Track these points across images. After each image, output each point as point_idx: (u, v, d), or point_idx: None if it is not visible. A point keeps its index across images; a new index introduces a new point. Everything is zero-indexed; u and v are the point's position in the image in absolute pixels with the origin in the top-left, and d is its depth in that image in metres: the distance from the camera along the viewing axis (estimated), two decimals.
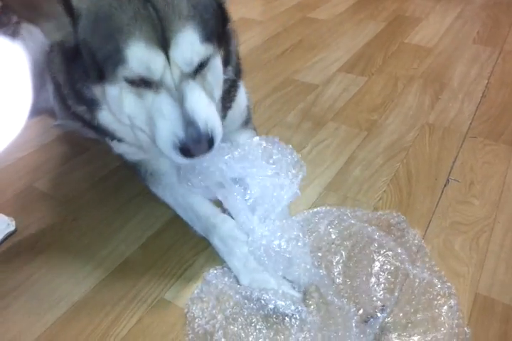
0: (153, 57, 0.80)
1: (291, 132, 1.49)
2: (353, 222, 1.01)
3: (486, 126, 1.51)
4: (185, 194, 1.13)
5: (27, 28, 1.42)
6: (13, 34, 1.44)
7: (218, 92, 0.96)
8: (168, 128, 0.85)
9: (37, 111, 1.62)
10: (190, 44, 0.82)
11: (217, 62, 0.92)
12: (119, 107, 0.89)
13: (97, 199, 1.25)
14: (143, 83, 0.84)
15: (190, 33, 0.81)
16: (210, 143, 0.87)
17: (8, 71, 0.76)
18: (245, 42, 2.11)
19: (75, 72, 0.94)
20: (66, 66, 1.00)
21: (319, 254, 0.95)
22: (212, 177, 1.03)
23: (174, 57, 0.81)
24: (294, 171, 1.07)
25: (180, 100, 0.84)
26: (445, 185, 1.25)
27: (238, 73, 1.17)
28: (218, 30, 0.91)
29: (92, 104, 0.98)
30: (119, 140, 1.10)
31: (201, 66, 0.86)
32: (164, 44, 0.80)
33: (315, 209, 1.09)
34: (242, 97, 1.22)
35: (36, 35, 1.42)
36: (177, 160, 0.89)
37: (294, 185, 1.02)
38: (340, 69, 1.88)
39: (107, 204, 1.23)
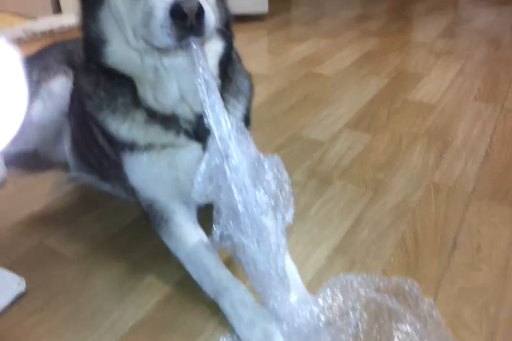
0: None
1: (298, 190, 1.51)
2: (367, 290, 1.01)
3: (490, 187, 1.54)
4: (200, 251, 1.12)
5: (46, 88, 1.48)
6: (33, 93, 1.50)
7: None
8: (161, 2, 0.87)
9: (51, 164, 1.66)
10: None
11: None
12: (121, 9, 0.95)
13: (108, 259, 1.26)
14: None
15: None
16: (199, 8, 0.87)
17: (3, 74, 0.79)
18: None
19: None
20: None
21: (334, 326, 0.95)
22: None
23: None
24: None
25: None
26: (452, 249, 1.26)
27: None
28: None
29: (100, 43, 1.03)
30: (127, 79, 1.08)
31: None
32: None
33: (330, 281, 1.08)
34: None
35: (55, 96, 1.48)
36: (166, 36, 0.89)
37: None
38: (346, 126, 1.93)
39: (118, 264, 1.24)
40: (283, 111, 2.07)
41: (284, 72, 2.52)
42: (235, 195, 0.95)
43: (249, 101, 1.26)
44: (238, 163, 0.96)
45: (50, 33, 3.21)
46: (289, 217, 1.05)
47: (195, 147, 1.15)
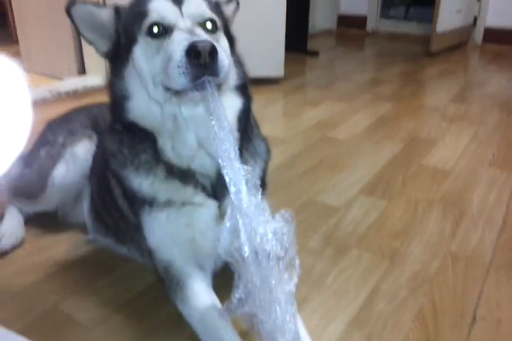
0: (168, 8, 1.02)
1: (314, 258, 1.51)
2: None
3: (508, 257, 1.53)
4: (214, 321, 1.10)
5: (71, 152, 1.54)
6: (58, 155, 1.55)
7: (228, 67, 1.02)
8: (177, 47, 0.96)
9: (69, 225, 1.69)
10: (197, 4, 1.05)
11: (224, 40, 1.10)
12: (143, 63, 1.04)
13: (121, 326, 1.25)
14: (161, 34, 1.01)
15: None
16: (213, 48, 0.94)
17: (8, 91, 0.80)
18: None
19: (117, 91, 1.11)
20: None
21: None
22: None
23: (185, 9, 1.03)
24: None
25: (191, 32, 0.99)
26: (472, 323, 1.24)
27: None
28: (225, 27, 1.14)
29: (123, 99, 1.10)
30: (148, 135, 1.12)
31: (211, 29, 1.06)
32: (179, 3, 1.04)
33: None
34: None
35: (78, 159, 1.53)
36: (183, 79, 0.95)
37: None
38: (361, 192, 1.94)
39: (132, 332, 1.22)
40: (298, 175, 2.10)
41: (300, 136, 2.58)
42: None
43: (266, 163, 1.29)
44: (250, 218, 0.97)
45: (74, 93, 3.33)
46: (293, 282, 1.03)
47: (212, 205, 1.17)
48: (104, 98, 1.20)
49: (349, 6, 6.19)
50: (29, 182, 1.60)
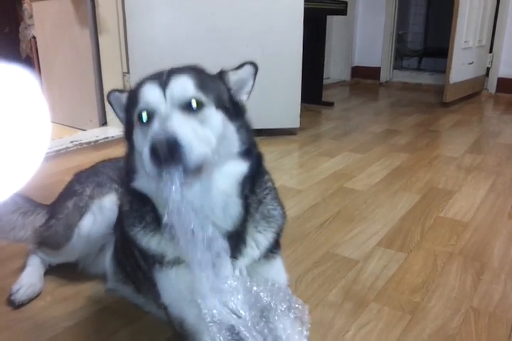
0: (152, 92, 1.04)
1: (333, 312, 1.50)
2: None
3: None
4: None
5: (98, 204, 1.57)
6: (85, 207, 1.59)
7: (216, 142, 1.04)
8: (148, 140, 0.98)
9: (90, 275, 1.70)
10: (181, 83, 1.05)
11: (213, 115, 1.07)
12: (139, 147, 1.06)
13: None
14: (148, 122, 1.03)
15: (185, 78, 1.07)
16: (173, 143, 0.94)
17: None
18: (286, 211, 2.23)
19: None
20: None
21: None
22: None
23: (168, 92, 1.04)
24: None
25: (164, 121, 0.99)
26: None
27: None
28: (223, 102, 1.12)
29: (132, 171, 1.14)
30: (153, 208, 1.14)
31: (194, 108, 1.04)
32: (164, 85, 1.05)
33: None
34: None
35: (105, 211, 1.57)
36: (151, 171, 0.97)
37: None
38: (379, 244, 1.94)
39: None
40: (316, 226, 2.11)
41: (316, 187, 2.61)
42: None
43: (280, 227, 1.27)
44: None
45: (95, 143, 3.43)
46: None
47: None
48: (123, 149, 1.26)
49: (363, 58, 6.38)
50: (55, 232, 1.63)
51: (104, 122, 3.76)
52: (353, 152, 3.26)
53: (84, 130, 3.69)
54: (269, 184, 1.28)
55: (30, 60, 4.84)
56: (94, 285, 1.68)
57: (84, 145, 3.37)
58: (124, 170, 1.24)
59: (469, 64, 4.88)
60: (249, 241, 1.19)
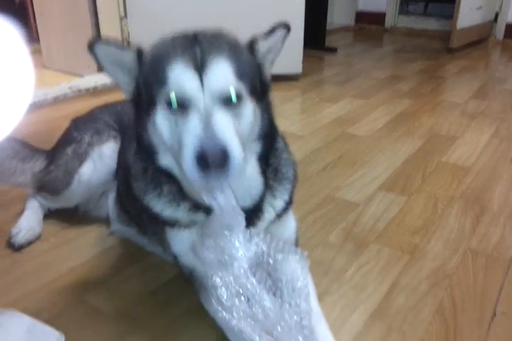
0: (188, 78, 0.94)
1: (333, 253, 1.52)
2: None
3: None
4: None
5: (98, 152, 1.56)
6: (85, 154, 1.58)
7: (247, 135, 1.02)
8: (191, 141, 0.92)
9: (91, 219, 1.72)
10: (222, 72, 0.95)
11: (249, 108, 1.00)
12: (163, 130, 0.99)
13: (147, 316, 1.28)
14: (179, 109, 0.95)
15: (225, 64, 0.97)
16: (224, 154, 0.90)
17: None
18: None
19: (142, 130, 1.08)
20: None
21: None
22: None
23: (206, 81, 0.94)
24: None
25: (207, 120, 0.93)
26: (492, 319, 1.24)
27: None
28: (255, 85, 1.03)
29: (152, 151, 1.08)
30: (173, 180, 1.13)
31: (233, 102, 0.96)
32: (201, 70, 0.94)
33: None
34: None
35: (105, 159, 1.56)
36: (194, 176, 0.93)
37: None
38: (380, 188, 1.95)
39: (156, 322, 1.25)
40: (317, 171, 2.11)
41: (318, 132, 2.58)
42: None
43: (293, 186, 1.30)
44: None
45: (94, 90, 3.38)
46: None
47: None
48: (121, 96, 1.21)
49: (367, 3, 6.16)
50: (54, 178, 1.63)
51: (102, 68, 3.67)
52: (355, 98, 3.21)
53: (82, 76, 3.61)
54: (281, 144, 1.26)
55: (24, 5, 4.67)
56: (96, 227, 1.70)
57: (83, 92, 3.32)
58: (137, 142, 1.17)
59: (477, 9, 4.71)
60: (267, 207, 1.21)
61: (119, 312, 1.29)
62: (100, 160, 1.57)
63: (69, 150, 1.62)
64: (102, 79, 3.46)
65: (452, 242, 1.58)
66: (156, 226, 1.31)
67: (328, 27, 4.86)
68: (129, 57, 1.05)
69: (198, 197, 1.12)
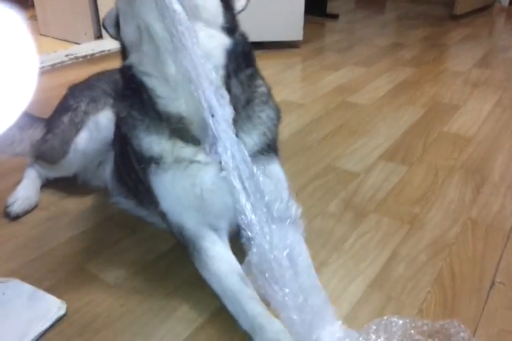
0: None
1: (333, 222, 1.52)
2: (413, 332, 1.00)
3: None
4: (234, 285, 1.12)
5: (94, 120, 1.54)
6: (81, 123, 1.56)
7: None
8: None
9: (91, 188, 1.71)
10: None
11: None
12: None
13: (145, 285, 1.28)
14: None
15: None
16: None
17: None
18: (288, 125, 2.21)
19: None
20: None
21: None
22: None
23: None
24: None
25: None
26: (491, 288, 1.25)
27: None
28: None
29: (128, 49, 1.12)
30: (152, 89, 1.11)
31: None
32: None
33: (373, 324, 1.06)
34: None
35: (101, 128, 1.54)
36: None
37: None
38: (381, 157, 1.93)
39: (155, 291, 1.26)
40: (318, 140, 2.09)
41: (319, 101, 2.55)
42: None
43: (271, 130, 1.24)
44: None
45: (92, 57, 3.32)
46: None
47: (214, 164, 1.14)
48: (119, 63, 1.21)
49: None
50: (51, 147, 1.62)
51: (99, 35, 3.60)
52: (357, 65, 3.16)
53: (79, 44, 3.54)
54: (262, 89, 1.24)
55: None
56: (95, 197, 1.69)
57: (80, 59, 3.26)
58: (122, 76, 1.19)
59: None
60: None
61: (120, 281, 1.30)
62: (96, 129, 1.55)
63: (65, 119, 1.60)
64: (99, 46, 3.40)
65: (452, 212, 1.58)
66: (150, 193, 1.29)
67: None
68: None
69: (162, 93, 1.10)
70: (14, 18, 0.80)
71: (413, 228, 1.50)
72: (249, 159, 1.05)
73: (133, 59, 1.11)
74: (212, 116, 1.02)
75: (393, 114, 2.37)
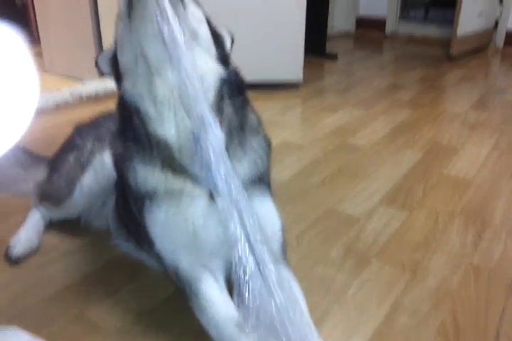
0: None
1: (334, 270, 1.52)
2: None
3: None
4: (232, 335, 1.08)
5: (99, 159, 1.56)
6: (87, 162, 1.57)
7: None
8: None
9: (93, 230, 1.72)
10: None
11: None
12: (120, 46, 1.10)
13: (146, 335, 1.27)
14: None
15: None
16: None
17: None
18: (287, 167, 2.23)
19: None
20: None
21: None
22: None
23: None
24: None
25: None
26: (496, 339, 1.24)
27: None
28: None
29: (123, 76, 1.13)
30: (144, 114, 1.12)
31: None
32: None
33: None
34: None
35: (106, 167, 1.55)
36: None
37: None
38: (381, 202, 1.94)
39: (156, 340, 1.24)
40: (317, 183, 2.11)
41: (318, 142, 2.58)
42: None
43: (263, 161, 1.21)
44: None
45: (96, 96, 3.38)
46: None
47: (204, 196, 1.13)
48: None
49: (368, 8, 6.17)
50: (56, 186, 1.63)
51: (102, 73, 3.67)
52: (356, 107, 3.21)
53: (83, 80, 3.61)
54: (253, 116, 1.24)
55: (25, 8, 4.67)
56: (97, 239, 1.69)
57: (84, 98, 3.32)
58: (117, 108, 1.20)
59: (478, 14, 4.72)
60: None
61: (120, 330, 1.28)
62: (102, 168, 1.56)
63: (71, 158, 1.61)
64: (103, 85, 3.47)
65: (454, 258, 1.58)
66: (147, 235, 1.28)
67: (328, 32, 4.87)
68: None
69: (163, 130, 1.10)
70: (24, 52, 0.82)
71: (415, 276, 1.49)
72: (243, 190, 1.04)
73: (127, 84, 1.13)
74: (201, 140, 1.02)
75: (392, 156, 2.40)
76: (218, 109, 1.11)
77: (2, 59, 0.75)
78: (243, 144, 1.18)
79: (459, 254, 1.61)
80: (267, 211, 1.21)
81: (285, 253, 1.25)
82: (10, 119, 0.80)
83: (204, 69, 1.09)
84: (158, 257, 1.25)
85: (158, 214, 1.16)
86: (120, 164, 1.24)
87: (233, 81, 1.17)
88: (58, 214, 1.71)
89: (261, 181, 1.20)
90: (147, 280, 1.49)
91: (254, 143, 1.21)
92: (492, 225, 1.78)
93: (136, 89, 1.11)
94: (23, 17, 4.47)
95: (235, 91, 1.18)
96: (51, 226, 1.72)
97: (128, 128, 1.18)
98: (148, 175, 1.16)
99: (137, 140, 1.17)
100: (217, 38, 1.18)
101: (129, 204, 1.38)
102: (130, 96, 1.13)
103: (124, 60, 1.12)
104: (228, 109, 1.15)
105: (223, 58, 1.17)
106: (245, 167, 1.17)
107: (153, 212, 1.17)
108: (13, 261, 1.55)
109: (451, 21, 4.73)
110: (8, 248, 1.57)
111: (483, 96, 3.52)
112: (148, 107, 1.10)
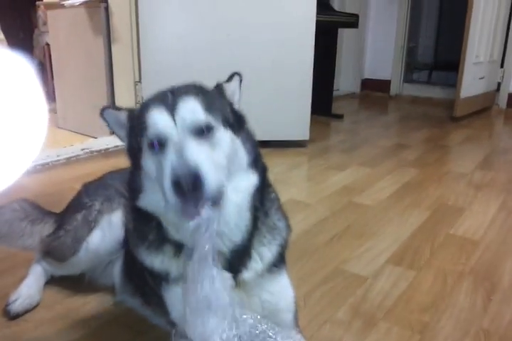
0: (161, 118, 1.02)
1: (342, 331, 1.49)
2: None
3: None
4: None
5: (107, 220, 1.57)
6: (94, 221, 1.59)
7: (227, 162, 1.05)
8: (167, 171, 0.97)
9: (97, 286, 1.70)
10: (190, 107, 1.03)
11: (223, 137, 1.07)
12: (150, 171, 1.06)
13: None
14: (160, 148, 1.02)
15: (192, 100, 1.05)
16: (196, 178, 0.94)
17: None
18: (295, 225, 2.21)
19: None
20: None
21: None
22: None
23: (177, 118, 1.02)
24: None
25: (180, 149, 0.98)
26: None
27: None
28: (227, 117, 1.11)
29: (137, 190, 1.13)
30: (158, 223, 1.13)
31: (205, 132, 1.03)
32: (172, 111, 1.03)
33: None
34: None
35: (114, 227, 1.57)
36: (172, 200, 0.97)
37: None
38: (388, 261, 1.93)
39: None
40: (325, 241, 2.10)
41: (325, 201, 2.60)
42: None
43: (286, 240, 1.24)
44: None
45: (106, 151, 3.46)
46: None
47: (226, 276, 1.12)
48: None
49: (373, 71, 6.39)
50: (62, 243, 1.63)
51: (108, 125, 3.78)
52: (362, 166, 3.25)
53: (95, 137, 3.71)
54: (273, 195, 1.26)
55: (42, 66, 4.89)
56: (101, 296, 1.68)
57: (95, 154, 3.40)
58: (129, 189, 1.22)
59: (480, 79, 4.87)
60: (254, 254, 1.17)
61: None
62: (109, 229, 1.57)
63: (79, 217, 1.63)
64: (113, 141, 3.56)
65: (463, 321, 1.55)
66: (157, 296, 1.29)
67: (334, 94, 5.02)
68: (123, 116, 1.16)
69: (182, 237, 1.11)
70: (41, 108, 0.87)
71: (423, 338, 1.46)
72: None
73: (147, 198, 1.14)
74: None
75: (399, 215, 2.41)
76: (254, 223, 1.14)
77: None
78: (272, 228, 1.21)
79: (469, 317, 1.57)
80: (281, 287, 1.23)
81: (297, 320, 1.27)
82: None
83: (236, 201, 1.10)
84: (172, 323, 1.24)
85: (173, 294, 1.18)
86: (133, 245, 1.26)
87: (263, 182, 1.17)
88: (61, 270, 1.70)
89: (281, 258, 1.23)
90: (152, 338, 1.46)
91: (281, 224, 1.24)
92: (501, 287, 1.76)
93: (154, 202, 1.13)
94: (40, 74, 4.67)
95: (265, 187, 1.19)
96: (55, 281, 1.72)
97: (142, 223, 1.20)
98: (158, 262, 1.18)
99: (148, 233, 1.19)
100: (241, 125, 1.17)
101: (137, 264, 1.39)
102: (150, 209, 1.14)
103: (147, 182, 1.12)
104: (261, 214, 1.17)
105: (254, 161, 1.16)
106: (273, 250, 1.20)
107: (169, 291, 1.19)
108: (12, 317, 1.53)
109: (454, 83, 4.88)
110: (7, 303, 1.56)
111: (487, 157, 3.57)
112: (171, 228, 1.13)
